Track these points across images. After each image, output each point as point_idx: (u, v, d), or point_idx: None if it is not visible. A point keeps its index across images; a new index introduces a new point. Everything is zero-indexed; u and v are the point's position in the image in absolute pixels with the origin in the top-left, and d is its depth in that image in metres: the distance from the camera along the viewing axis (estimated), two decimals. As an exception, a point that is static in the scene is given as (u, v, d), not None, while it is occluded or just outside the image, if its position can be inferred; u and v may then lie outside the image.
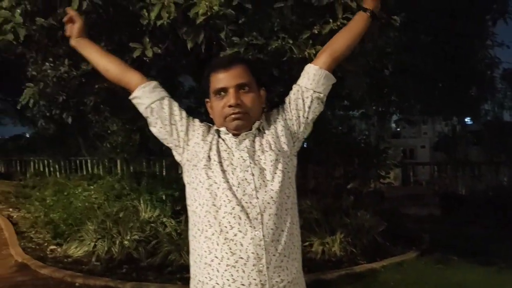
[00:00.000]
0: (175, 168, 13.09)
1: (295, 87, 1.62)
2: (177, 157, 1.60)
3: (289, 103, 1.60)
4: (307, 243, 5.81)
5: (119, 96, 5.68)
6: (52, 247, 6.34)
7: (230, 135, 1.52)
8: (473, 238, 7.06)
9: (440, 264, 5.45)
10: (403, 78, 4.31)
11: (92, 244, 5.89)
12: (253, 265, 1.39)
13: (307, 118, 1.59)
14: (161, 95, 1.59)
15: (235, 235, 1.39)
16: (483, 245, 6.47)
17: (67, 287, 4.80)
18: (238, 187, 1.43)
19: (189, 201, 1.53)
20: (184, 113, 1.60)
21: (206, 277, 1.45)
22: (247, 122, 1.51)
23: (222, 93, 1.50)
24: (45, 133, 13.53)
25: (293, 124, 1.58)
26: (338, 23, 2.59)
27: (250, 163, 1.46)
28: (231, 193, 1.42)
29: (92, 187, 8.58)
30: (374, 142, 8.39)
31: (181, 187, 8.05)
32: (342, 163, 8.18)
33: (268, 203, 1.43)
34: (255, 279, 1.39)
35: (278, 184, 1.45)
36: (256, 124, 1.53)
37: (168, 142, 1.59)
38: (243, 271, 1.39)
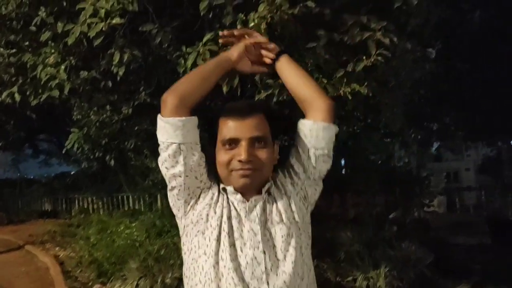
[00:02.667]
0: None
1: (293, 149, 1.43)
2: (178, 214, 1.42)
3: (292, 166, 1.42)
4: (350, 278, 5.65)
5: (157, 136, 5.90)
6: (97, 286, 6.45)
7: (239, 196, 1.34)
8: (528, 268, 6.66)
9: (495, 298, 5.16)
10: (442, 107, 4.22)
11: (135, 283, 5.95)
12: None
13: (315, 179, 1.41)
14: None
15: None
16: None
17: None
18: (246, 268, 1.26)
19: (187, 273, 1.36)
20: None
21: None
22: (256, 182, 1.34)
23: (233, 144, 1.33)
24: (88, 171, 14.00)
25: (301, 189, 1.41)
26: (372, 59, 2.59)
27: (261, 238, 1.29)
28: (238, 276, 1.25)
29: (133, 224, 8.72)
30: (415, 169, 8.17)
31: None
32: (382, 192, 8.00)
33: (282, 283, 1.26)
34: None
35: (291, 265, 1.27)
36: (266, 187, 1.37)
37: (180, 191, 1.38)
38: None
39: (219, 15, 2.57)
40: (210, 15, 2.56)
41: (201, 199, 1.37)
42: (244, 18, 2.50)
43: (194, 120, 1.34)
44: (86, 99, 3.51)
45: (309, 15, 2.60)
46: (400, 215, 7.82)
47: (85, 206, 14.83)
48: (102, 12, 2.44)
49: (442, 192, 8.69)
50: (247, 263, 1.26)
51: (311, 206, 1.43)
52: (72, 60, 2.91)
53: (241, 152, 1.30)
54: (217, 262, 1.27)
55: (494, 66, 4.75)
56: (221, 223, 1.31)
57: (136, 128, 5.22)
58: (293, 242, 1.30)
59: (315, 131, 1.38)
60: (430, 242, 6.99)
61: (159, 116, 1.35)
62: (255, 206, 1.33)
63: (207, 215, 1.33)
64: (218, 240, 1.29)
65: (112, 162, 5.18)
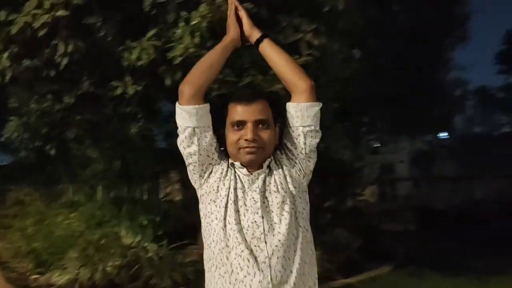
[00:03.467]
0: (155, 192, 13.25)
1: (285, 130, 1.63)
2: (195, 185, 1.63)
3: (285, 144, 1.62)
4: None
5: (100, 126, 5.88)
6: (35, 276, 6.37)
7: (245, 170, 1.55)
8: (446, 251, 7.37)
9: (413, 277, 5.72)
10: (371, 103, 4.62)
11: (75, 271, 5.96)
12: None
13: (307, 153, 1.60)
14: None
15: (245, 277, 1.43)
16: (454, 258, 6.77)
17: (51, 316, 4.84)
18: (248, 229, 1.47)
19: (204, 234, 1.56)
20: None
21: None
22: (260, 158, 1.54)
23: (240, 126, 1.53)
24: (25, 161, 13.48)
25: (296, 163, 1.60)
26: (303, 59, 2.86)
27: (261, 205, 1.50)
28: (241, 236, 1.46)
29: (72, 215, 8.60)
30: (351, 161, 8.68)
31: (163, 212, 8.18)
32: (318, 182, 8.44)
33: (276, 246, 1.46)
34: None
35: (285, 227, 1.48)
36: (267, 162, 1.56)
37: (196, 166, 1.59)
38: None
39: (162, 12, 2.73)
40: (154, 12, 2.71)
41: (212, 173, 1.57)
42: (186, 16, 2.67)
43: (207, 106, 1.55)
44: (27, 87, 3.53)
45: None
46: (334, 204, 8.28)
47: (22, 197, 14.25)
48: (47, 3, 2.53)
49: (374, 182, 9.26)
50: (248, 226, 1.47)
51: (307, 176, 1.63)
52: (15, 49, 2.95)
53: (248, 132, 1.51)
54: (225, 225, 1.48)
55: (419, 66, 5.25)
56: (228, 193, 1.52)
57: (78, 117, 5.23)
58: (287, 208, 1.50)
59: (300, 112, 1.58)
60: (360, 229, 7.50)
61: (177, 104, 1.56)
62: (257, 178, 1.54)
63: (218, 187, 1.54)
64: (226, 207, 1.50)
65: (53, 152, 5.12)
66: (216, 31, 2.78)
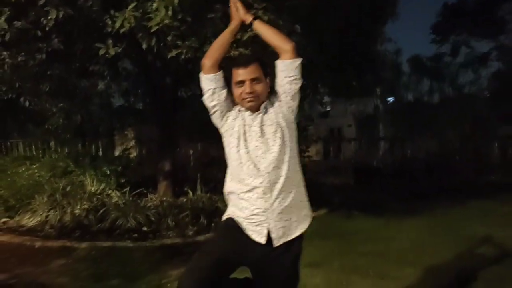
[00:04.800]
0: (111, 148, 13.64)
1: (275, 80, 2.20)
2: (218, 126, 2.25)
3: (277, 91, 2.20)
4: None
5: (68, 82, 6.32)
6: (4, 219, 6.81)
7: (248, 113, 2.17)
8: (374, 199, 8.55)
9: (343, 218, 6.78)
10: (312, 70, 5.41)
11: (44, 214, 6.49)
12: (262, 198, 2.08)
13: (292, 95, 2.17)
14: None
15: (253, 180, 2.09)
16: (380, 204, 7.95)
17: (27, 249, 5.43)
18: (253, 151, 2.12)
19: (227, 156, 2.21)
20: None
21: (237, 204, 2.17)
22: (257, 104, 2.16)
23: (241, 83, 2.12)
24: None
25: (285, 103, 2.19)
26: (254, 32, 3.55)
27: (260, 135, 2.13)
28: (249, 155, 2.11)
29: (34, 166, 8.96)
30: (299, 121, 9.51)
31: (124, 164, 8.72)
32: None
33: (271, 160, 2.09)
34: (262, 206, 2.09)
35: (277, 148, 2.11)
36: (263, 105, 2.17)
37: (218, 113, 2.21)
38: (256, 201, 2.09)
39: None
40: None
41: (230, 117, 2.21)
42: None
43: (221, 73, 2.18)
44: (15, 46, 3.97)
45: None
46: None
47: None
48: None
49: (318, 141, 10.19)
50: (253, 149, 2.12)
51: (294, 112, 2.22)
52: (7, 12, 3.43)
53: (246, 88, 2.12)
54: (238, 150, 2.14)
55: (355, 38, 6.06)
56: (239, 129, 2.16)
57: (48, 72, 5.66)
58: (278, 135, 2.13)
59: (284, 66, 2.14)
60: (307, 182, 8.48)
61: (200, 73, 2.19)
62: (256, 117, 2.16)
63: (232, 125, 2.19)
64: (238, 138, 2.15)
65: (27, 103, 5.55)
66: (184, 6, 3.40)
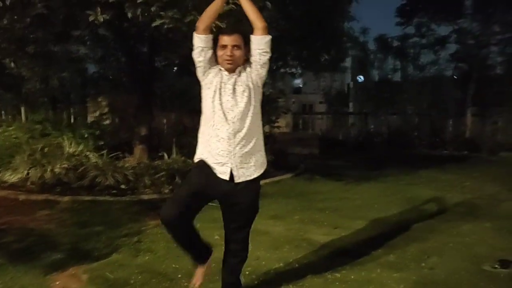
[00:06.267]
0: (83, 116, 13.80)
1: (250, 51, 2.57)
2: (200, 79, 2.63)
3: (250, 59, 2.58)
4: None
5: (49, 46, 6.58)
6: (-15, 177, 7.11)
7: (226, 73, 2.57)
8: (335, 167, 9.28)
9: (306, 180, 7.45)
10: (281, 42, 5.90)
11: (25, 172, 6.83)
12: (227, 142, 2.51)
13: (261, 64, 2.57)
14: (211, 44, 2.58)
15: (221, 127, 2.52)
16: (340, 170, 8.68)
17: (12, 201, 5.81)
18: (225, 103, 2.53)
19: (203, 105, 2.61)
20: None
21: (207, 147, 2.59)
22: (234, 66, 2.55)
23: (224, 47, 2.51)
24: None
25: (255, 70, 2.59)
26: (229, 7, 4.01)
27: (231, 92, 2.54)
28: (221, 107, 2.53)
29: (11, 128, 9.15)
30: (272, 94, 10.01)
31: (101, 128, 9.06)
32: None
33: (238, 113, 2.51)
34: (226, 149, 2.52)
35: (243, 103, 2.52)
36: (238, 69, 2.58)
37: (202, 68, 2.59)
38: (222, 144, 2.52)
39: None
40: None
41: (210, 74, 2.61)
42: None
43: (210, 36, 2.57)
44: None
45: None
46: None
47: None
48: None
49: (287, 112, 10.73)
50: (225, 102, 2.53)
51: (262, 78, 2.62)
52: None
53: (227, 51, 2.52)
54: (213, 101, 2.55)
55: (320, 16, 6.57)
56: (217, 84, 2.56)
57: (32, 36, 5.95)
58: (246, 94, 2.55)
59: (256, 40, 2.53)
60: (274, 151, 9.09)
61: (194, 33, 2.58)
62: (231, 77, 2.56)
63: (212, 80, 2.58)
64: (215, 91, 2.55)
65: (12, 65, 5.83)
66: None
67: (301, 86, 29.57)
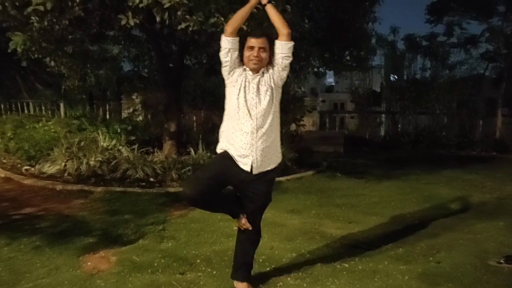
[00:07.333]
0: (117, 112, 14.39)
1: (274, 55, 2.82)
2: (225, 77, 2.86)
3: (274, 62, 2.83)
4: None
5: (86, 46, 7.02)
6: (26, 167, 7.67)
7: (250, 72, 2.81)
8: (358, 165, 9.39)
9: (328, 178, 7.63)
10: (303, 44, 6.11)
11: (63, 164, 7.32)
12: (250, 136, 2.77)
13: (283, 67, 2.83)
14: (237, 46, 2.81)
15: (245, 122, 2.77)
16: (363, 168, 8.81)
17: (50, 191, 6.28)
18: (249, 101, 2.78)
19: (227, 102, 2.86)
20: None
21: (230, 139, 2.85)
22: (259, 67, 2.80)
23: (251, 49, 2.76)
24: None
25: (277, 72, 2.84)
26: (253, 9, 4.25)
27: (256, 91, 2.79)
28: (245, 103, 2.77)
29: (50, 122, 9.74)
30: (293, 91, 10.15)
31: (133, 124, 9.52)
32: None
33: (261, 110, 2.77)
34: (249, 142, 2.77)
35: (266, 102, 2.78)
36: (262, 69, 2.82)
37: (228, 68, 2.82)
38: (245, 138, 2.78)
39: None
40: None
41: (235, 72, 2.84)
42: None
43: (237, 38, 2.79)
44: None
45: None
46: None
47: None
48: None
49: (311, 110, 10.86)
50: (249, 99, 2.78)
51: (283, 80, 2.88)
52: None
53: (254, 52, 2.76)
54: (238, 98, 2.79)
55: (343, 16, 6.73)
56: (241, 83, 2.80)
57: (70, 37, 6.38)
58: (268, 93, 2.80)
59: (280, 45, 2.79)
60: (300, 149, 9.31)
61: (222, 35, 2.81)
62: (256, 77, 2.81)
63: (237, 79, 2.82)
64: (239, 89, 2.79)
65: (53, 63, 6.29)
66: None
67: (333, 84, 29.50)
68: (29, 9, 4.47)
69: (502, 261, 3.73)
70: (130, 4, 4.08)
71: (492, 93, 14.08)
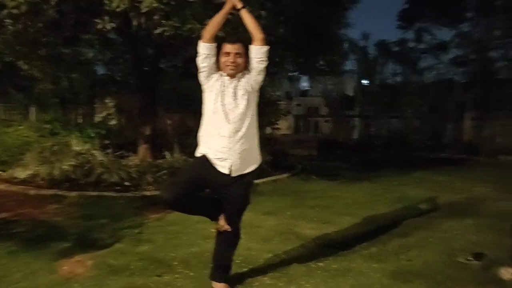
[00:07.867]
0: (91, 116, 14.19)
1: (249, 60, 2.88)
2: (202, 83, 2.91)
3: (249, 67, 2.89)
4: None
5: (59, 49, 6.96)
6: (-2, 172, 7.50)
7: (227, 78, 2.86)
8: (332, 168, 9.59)
9: (302, 180, 7.76)
10: (278, 48, 6.21)
11: (35, 168, 7.18)
12: (227, 140, 2.81)
13: (258, 71, 2.88)
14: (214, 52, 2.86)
15: (223, 126, 2.82)
16: (336, 171, 9.00)
17: (23, 196, 6.17)
18: (226, 105, 2.83)
19: (204, 107, 2.91)
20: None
21: (208, 143, 2.89)
22: (235, 72, 2.85)
23: (227, 54, 2.82)
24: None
25: (253, 77, 2.89)
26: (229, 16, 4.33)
27: (233, 95, 2.85)
28: (222, 108, 2.82)
29: (21, 127, 9.53)
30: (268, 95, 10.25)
31: (107, 128, 9.43)
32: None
33: (238, 114, 2.82)
34: (227, 146, 2.81)
35: (242, 106, 2.83)
36: (239, 75, 2.88)
37: (205, 73, 2.87)
38: (223, 141, 2.81)
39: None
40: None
41: (213, 78, 2.89)
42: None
43: (214, 44, 2.85)
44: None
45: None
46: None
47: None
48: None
49: (286, 114, 11.01)
50: (226, 103, 2.83)
51: (258, 84, 2.94)
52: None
53: (230, 58, 2.82)
54: (215, 103, 2.84)
55: (317, 22, 6.88)
56: (218, 88, 2.86)
57: (44, 39, 6.31)
58: (245, 97, 2.86)
59: (255, 50, 2.85)
60: (274, 152, 9.40)
61: (200, 41, 2.86)
62: (232, 82, 2.86)
63: (214, 84, 2.88)
64: (217, 94, 2.85)
65: (26, 67, 6.19)
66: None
67: (307, 89, 29.86)
68: (4, 12, 4.43)
69: (470, 258, 3.90)
70: (107, 8, 4.09)
71: (463, 97, 14.56)
